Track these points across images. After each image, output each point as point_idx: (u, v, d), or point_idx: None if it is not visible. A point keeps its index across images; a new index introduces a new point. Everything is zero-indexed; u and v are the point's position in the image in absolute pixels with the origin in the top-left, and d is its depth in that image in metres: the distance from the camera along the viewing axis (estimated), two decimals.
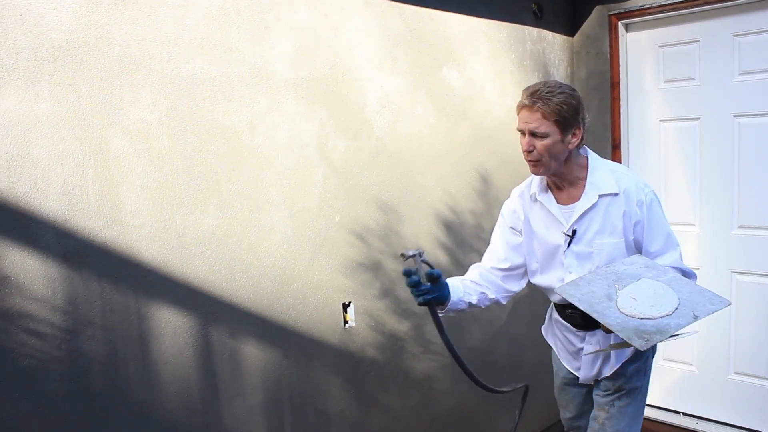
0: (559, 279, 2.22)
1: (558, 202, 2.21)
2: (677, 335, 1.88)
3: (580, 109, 2.09)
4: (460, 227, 3.20)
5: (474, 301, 2.25)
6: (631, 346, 1.84)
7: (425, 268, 2.06)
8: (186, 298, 2.24)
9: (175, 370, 2.23)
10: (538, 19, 3.62)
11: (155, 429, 2.18)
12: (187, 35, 2.21)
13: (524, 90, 2.11)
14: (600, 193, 2.12)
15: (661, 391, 3.78)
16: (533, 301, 3.56)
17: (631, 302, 1.93)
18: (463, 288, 2.25)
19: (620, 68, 3.71)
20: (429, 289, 2.03)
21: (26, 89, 1.86)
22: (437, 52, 3.06)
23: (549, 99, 2.02)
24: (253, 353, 2.43)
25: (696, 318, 1.86)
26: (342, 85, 2.68)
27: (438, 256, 3.09)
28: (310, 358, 2.62)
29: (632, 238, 2.15)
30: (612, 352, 2.22)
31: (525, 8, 3.54)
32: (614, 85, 3.72)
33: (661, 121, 3.65)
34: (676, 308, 1.89)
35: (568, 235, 2.16)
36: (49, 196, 1.91)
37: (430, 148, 3.05)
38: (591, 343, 2.27)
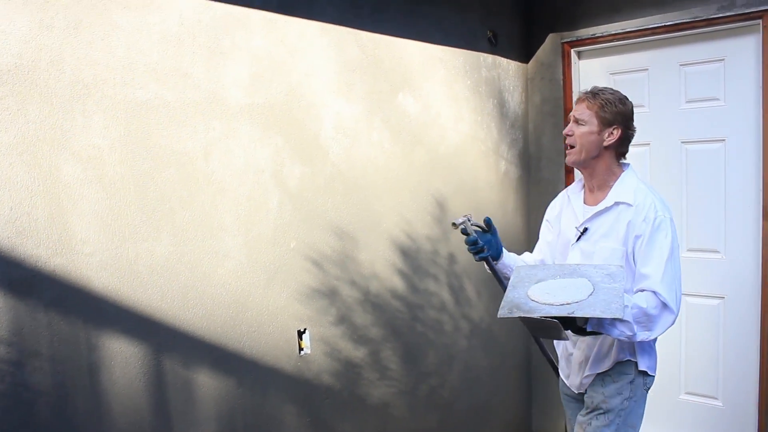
0: None
1: (584, 203, 2.38)
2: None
3: (623, 113, 2.27)
4: (416, 253, 3.21)
5: None
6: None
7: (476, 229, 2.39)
8: (138, 327, 2.20)
9: (126, 401, 2.17)
10: (493, 46, 3.68)
11: None
12: (141, 60, 2.19)
13: None
14: (617, 200, 2.25)
15: None
16: (490, 329, 3.59)
17: (539, 288, 2.05)
18: (516, 259, 2.52)
19: (573, 95, 3.79)
20: (483, 247, 2.35)
21: None
22: (393, 79, 3.09)
23: (597, 94, 2.28)
24: (206, 382, 2.39)
25: (572, 313, 1.91)
26: (298, 111, 2.67)
27: (394, 282, 3.09)
28: (264, 387, 2.58)
29: (631, 250, 2.22)
30: (591, 358, 2.30)
31: (480, 35, 3.60)
32: (567, 111, 3.79)
33: None
34: (568, 304, 1.94)
35: (580, 231, 2.31)
36: None
37: (386, 173, 3.06)
38: (580, 348, 2.35)
